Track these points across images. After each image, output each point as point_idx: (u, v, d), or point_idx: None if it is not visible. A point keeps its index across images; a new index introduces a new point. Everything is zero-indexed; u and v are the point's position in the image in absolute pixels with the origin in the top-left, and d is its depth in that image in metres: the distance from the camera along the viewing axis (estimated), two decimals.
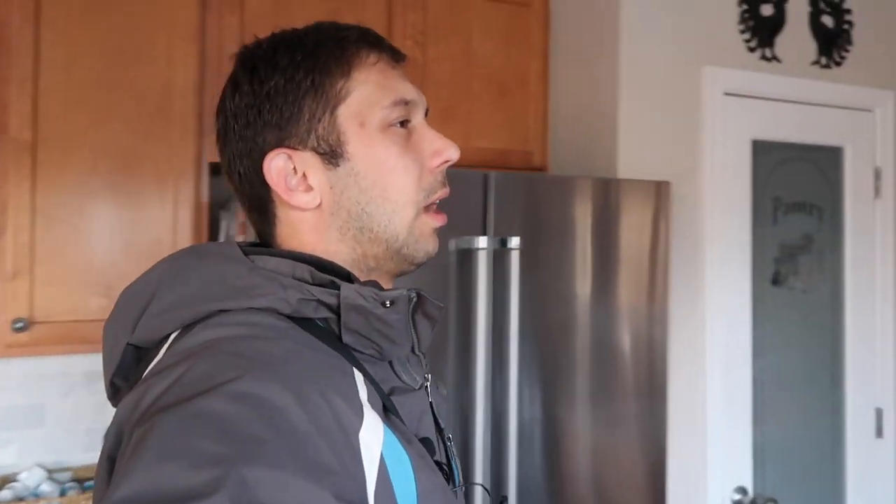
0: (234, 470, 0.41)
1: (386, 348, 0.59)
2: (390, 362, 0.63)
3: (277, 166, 0.61)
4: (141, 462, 0.42)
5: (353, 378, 0.56)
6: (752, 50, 1.99)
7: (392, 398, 0.60)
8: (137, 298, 0.60)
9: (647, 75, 1.88)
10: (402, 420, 0.59)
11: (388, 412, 0.58)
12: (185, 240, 1.69)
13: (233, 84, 0.64)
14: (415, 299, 0.61)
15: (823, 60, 2.09)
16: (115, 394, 0.62)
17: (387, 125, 0.62)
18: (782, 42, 2.04)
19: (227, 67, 0.66)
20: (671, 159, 1.89)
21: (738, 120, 1.98)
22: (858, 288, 2.14)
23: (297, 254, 0.61)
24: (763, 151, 2.03)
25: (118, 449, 0.48)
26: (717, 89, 1.93)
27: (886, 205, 2.17)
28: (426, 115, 0.66)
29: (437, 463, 0.61)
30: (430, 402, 0.67)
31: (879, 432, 2.14)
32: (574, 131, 2.03)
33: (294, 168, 0.62)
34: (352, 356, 0.58)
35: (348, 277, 0.60)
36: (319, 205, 0.62)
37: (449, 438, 0.70)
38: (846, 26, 2.13)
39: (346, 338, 0.58)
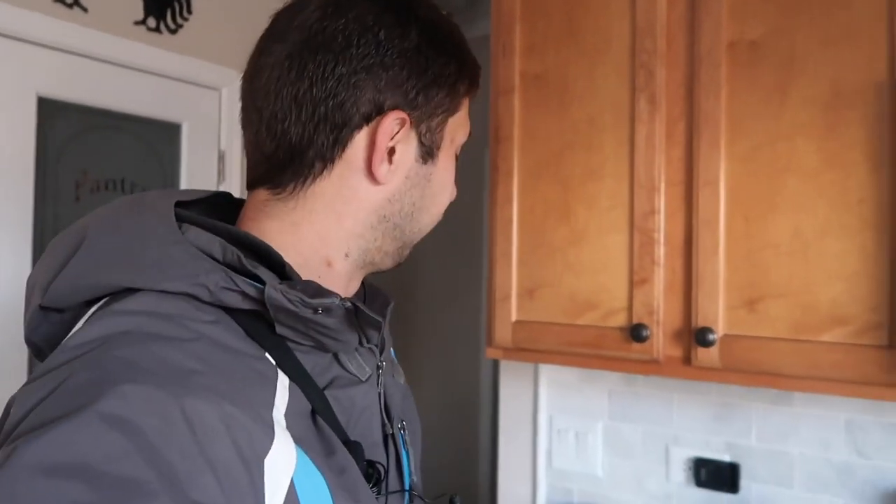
0: None
1: (328, 344, 0.56)
2: (335, 353, 0.59)
3: (388, 127, 0.57)
4: None
5: (274, 386, 0.51)
6: None
7: (329, 391, 0.56)
8: (61, 249, 0.53)
9: None
10: (334, 419, 0.55)
11: (315, 415, 0.54)
12: None
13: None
14: (350, 308, 0.56)
15: (152, 23, 1.87)
16: (38, 353, 0.57)
17: (455, 152, 0.64)
18: None
19: None
20: None
21: (17, 69, 1.60)
22: None
23: (227, 229, 0.55)
24: (62, 114, 1.70)
25: None
26: None
27: (232, 190, 2.06)
28: None
29: (370, 463, 0.58)
30: (380, 394, 0.63)
31: None
32: None
33: (393, 138, 0.58)
34: (285, 348, 0.54)
35: (281, 270, 0.55)
36: (385, 185, 0.59)
37: (402, 428, 0.67)
38: None
39: (281, 330, 0.53)
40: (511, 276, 1.34)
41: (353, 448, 0.55)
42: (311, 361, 0.56)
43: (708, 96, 1.13)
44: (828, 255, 1.04)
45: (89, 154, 1.76)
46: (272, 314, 0.52)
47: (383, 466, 0.60)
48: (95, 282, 0.51)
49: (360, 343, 0.59)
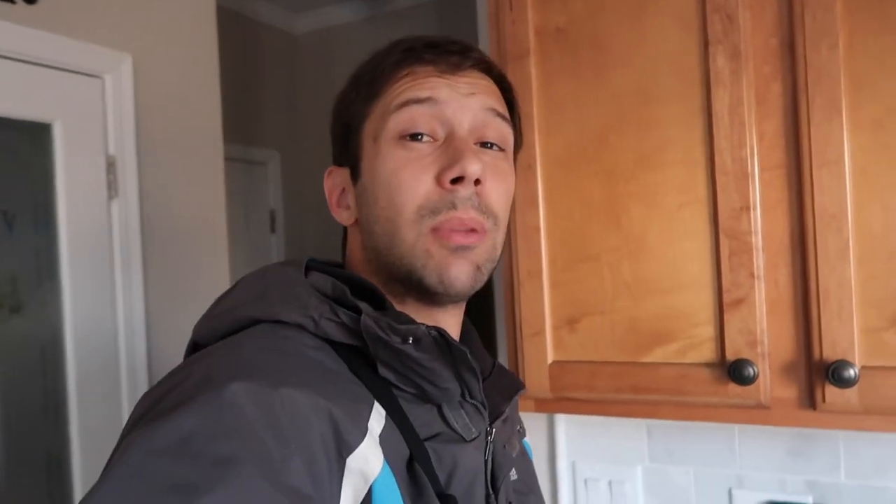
0: (197, 499, 0.40)
1: (429, 391, 0.55)
2: (439, 406, 0.57)
3: (327, 183, 0.66)
4: (111, 479, 0.42)
5: (370, 409, 0.52)
6: None
7: (430, 443, 0.55)
8: (218, 298, 0.62)
9: None
10: (431, 469, 0.53)
11: (412, 462, 0.53)
12: None
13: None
14: (438, 338, 0.55)
15: None
16: None
17: (397, 137, 0.59)
18: None
19: None
20: None
21: None
22: (89, 321, 1.52)
23: (343, 272, 0.61)
24: None
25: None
26: None
27: (128, 206, 1.60)
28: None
29: None
30: (486, 461, 0.59)
31: None
32: None
33: (341, 184, 0.64)
34: (389, 394, 0.55)
35: (382, 304, 0.57)
36: (356, 221, 0.63)
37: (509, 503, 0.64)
38: None
39: (383, 371, 0.54)
40: (543, 302, 1.00)
41: (448, 501, 0.53)
42: (414, 413, 0.55)
43: (818, 46, 0.83)
44: None
45: None
46: (370, 348, 0.53)
47: None
48: (231, 315, 0.57)
49: (464, 396, 0.57)
